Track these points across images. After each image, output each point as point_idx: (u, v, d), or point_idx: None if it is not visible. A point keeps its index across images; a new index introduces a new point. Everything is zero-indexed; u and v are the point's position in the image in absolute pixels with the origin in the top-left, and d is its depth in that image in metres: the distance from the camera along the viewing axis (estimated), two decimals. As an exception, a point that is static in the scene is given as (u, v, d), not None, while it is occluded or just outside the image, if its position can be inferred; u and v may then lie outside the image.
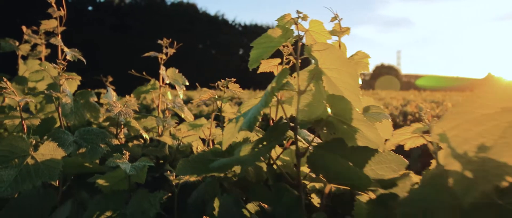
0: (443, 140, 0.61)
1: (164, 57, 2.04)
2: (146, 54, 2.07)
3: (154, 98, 2.12)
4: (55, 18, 1.76)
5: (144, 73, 2.13)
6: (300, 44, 0.94)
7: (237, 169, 1.17)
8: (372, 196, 0.77)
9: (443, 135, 0.61)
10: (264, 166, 1.23)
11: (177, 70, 2.05)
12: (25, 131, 1.20)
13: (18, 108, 1.22)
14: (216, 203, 0.85)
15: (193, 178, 0.94)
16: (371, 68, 1.39)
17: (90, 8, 38.61)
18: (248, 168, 1.20)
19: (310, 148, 0.91)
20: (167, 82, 2.04)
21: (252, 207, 0.90)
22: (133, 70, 2.06)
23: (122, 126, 1.73)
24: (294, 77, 0.98)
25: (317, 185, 1.18)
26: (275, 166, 1.16)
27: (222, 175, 1.00)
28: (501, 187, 0.60)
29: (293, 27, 0.97)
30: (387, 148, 0.88)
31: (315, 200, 1.19)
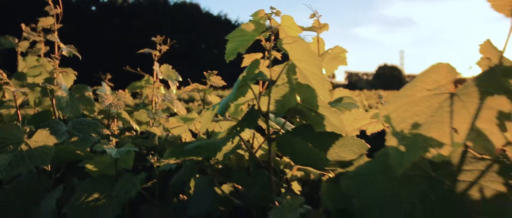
0: (387, 120, 0.68)
1: (157, 54, 2.12)
2: (140, 51, 2.15)
3: (148, 93, 2.20)
4: (52, 15, 1.84)
5: (138, 69, 2.21)
6: (273, 38, 1.01)
7: (220, 156, 1.25)
8: (332, 175, 0.84)
9: (387, 116, 0.69)
10: (246, 155, 1.31)
11: (170, 66, 2.13)
12: (20, 119, 1.28)
13: (14, 99, 1.29)
14: (192, 183, 0.92)
15: (172, 161, 1.01)
16: (374, 68, 1.47)
17: (93, 8, 38.82)
18: (230, 156, 1.28)
19: (283, 132, 0.98)
20: (161, 78, 2.12)
21: (226, 187, 0.97)
22: (127, 66, 2.14)
23: (116, 119, 1.81)
24: (274, 70, 1.06)
25: (299, 174, 1.25)
26: (257, 155, 1.23)
27: (200, 158, 1.07)
28: (436, 161, 0.67)
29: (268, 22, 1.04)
30: (349, 133, 0.95)
31: (296, 187, 1.27)
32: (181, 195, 0.99)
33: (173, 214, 0.90)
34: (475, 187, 0.59)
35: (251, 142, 1.37)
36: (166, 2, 46.94)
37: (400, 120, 0.66)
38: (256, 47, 1.17)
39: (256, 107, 1.00)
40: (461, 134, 0.59)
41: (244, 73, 0.93)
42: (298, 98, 0.99)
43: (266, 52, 1.30)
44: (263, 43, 1.20)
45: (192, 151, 0.90)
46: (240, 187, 0.99)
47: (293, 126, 1.14)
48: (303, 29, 1.39)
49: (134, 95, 4.41)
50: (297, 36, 1.00)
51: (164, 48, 2.15)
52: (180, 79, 2.15)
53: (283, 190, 1.19)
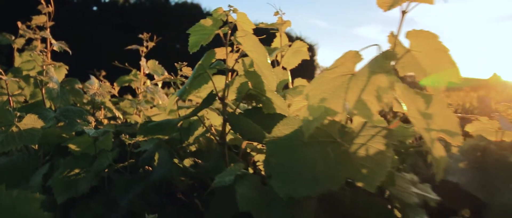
0: (306, 98, 0.84)
1: (144, 50, 2.28)
2: (129, 47, 2.31)
3: (136, 86, 2.36)
4: (45, 14, 2.00)
5: (126, 64, 2.37)
6: (229, 32, 1.16)
7: (191, 139, 1.40)
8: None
9: (307, 94, 0.84)
10: (215, 139, 1.46)
11: (156, 62, 2.29)
12: (11, 105, 1.44)
13: (6, 86, 1.45)
14: (156, 156, 1.07)
15: (140, 138, 1.16)
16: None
17: (94, 8, 39.02)
18: (200, 139, 1.44)
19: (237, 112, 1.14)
20: (147, 72, 2.27)
21: (187, 161, 1.12)
22: (116, 62, 2.29)
23: (103, 109, 1.96)
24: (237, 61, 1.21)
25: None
26: (228, 138, 1.39)
27: (166, 137, 1.22)
28: (346, 130, 0.82)
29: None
30: (291, 113, 1.10)
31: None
32: (147, 167, 1.14)
33: (139, 180, 1.05)
34: (364, 147, 0.74)
35: (221, 127, 1.52)
36: (167, 2, 47.11)
37: (313, 97, 0.81)
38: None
39: (214, 92, 1.15)
40: (350, 105, 0.74)
41: (200, 62, 1.08)
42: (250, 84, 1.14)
43: (235, 46, 1.45)
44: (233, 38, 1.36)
45: (154, 128, 1.06)
46: (199, 161, 1.14)
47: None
48: (267, 25, 1.55)
49: (134, 93, 4.58)
50: (249, 30, 1.15)
51: (151, 44, 2.31)
52: (166, 74, 2.30)
53: (251, 170, 1.34)
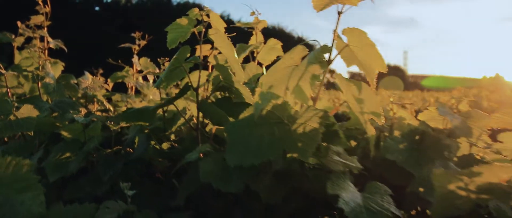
0: (260, 85, 0.98)
1: (137, 48, 2.42)
2: (122, 45, 2.46)
3: (128, 82, 2.50)
4: (42, 14, 2.15)
5: (119, 61, 2.51)
6: (203, 30, 1.30)
7: (173, 128, 1.54)
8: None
9: (261, 82, 0.98)
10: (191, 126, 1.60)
11: (148, 60, 2.43)
12: (10, 96, 1.58)
13: (5, 80, 1.59)
14: (136, 139, 1.22)
15: (123, 124, 1.31)
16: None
17: (97, 8, 39.25)
18: (182, 128, 1.58)
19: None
20: (139, 69, 2.41)
21: (165, 145, 1.26)
22: (110, 59, 2.43)
23: (96, 102, 2.11)
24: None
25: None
26: (207, 128, 1.53)
27: (147, 124, 1.36)
28: (292, 113, 0.96)
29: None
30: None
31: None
32: (129, 149, 1.29)
33: (120, 158, 1.20)
34: (303, 125, 0.88)
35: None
36: (169, 2, 47.35)
37: (265, 84, 0.96)
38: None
39: (189, 84, 1.29)
40: (290, 90, 0.88)
41: (175, 56, 1.22)
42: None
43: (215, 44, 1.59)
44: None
45: (133, 114, 1.20)
46: (175, 144, 1.28)
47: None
48: (243, 24, 1.69)
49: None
50: (221, 29, 1.29)
51: (143, 43, 2.45)
52: (157, 70, 2.44)
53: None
